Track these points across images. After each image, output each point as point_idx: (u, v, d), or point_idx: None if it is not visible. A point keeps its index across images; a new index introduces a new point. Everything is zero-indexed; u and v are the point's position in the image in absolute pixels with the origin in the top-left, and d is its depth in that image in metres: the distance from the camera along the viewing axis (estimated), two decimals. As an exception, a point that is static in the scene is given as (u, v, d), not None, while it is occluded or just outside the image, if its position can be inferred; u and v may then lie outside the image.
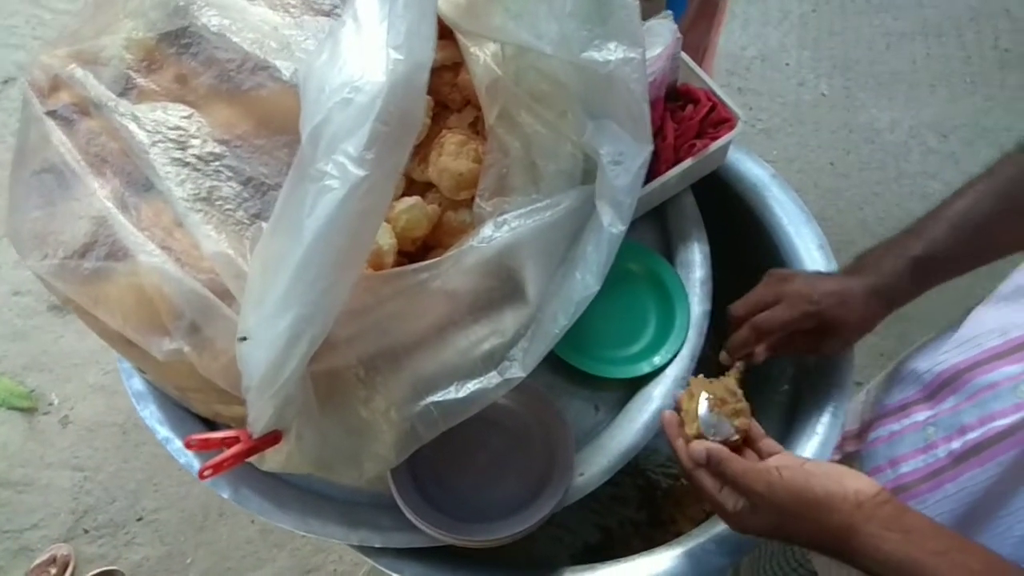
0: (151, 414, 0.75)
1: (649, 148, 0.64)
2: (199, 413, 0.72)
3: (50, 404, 1.80)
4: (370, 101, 0.51)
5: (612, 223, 0.64)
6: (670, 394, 0.78)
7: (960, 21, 2.52)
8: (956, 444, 0.65)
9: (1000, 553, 0.55)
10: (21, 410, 1.79)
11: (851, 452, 0.79)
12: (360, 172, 0.50)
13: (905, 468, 0.70)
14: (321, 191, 0.50)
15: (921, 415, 0.71)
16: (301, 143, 0.51)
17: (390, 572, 0.72)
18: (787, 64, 2.42)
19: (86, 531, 1.66)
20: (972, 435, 0.64)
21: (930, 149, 2.24)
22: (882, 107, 2.33)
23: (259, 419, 0.54)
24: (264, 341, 0.51)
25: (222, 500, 1.72)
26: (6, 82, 2.34)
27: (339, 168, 0.50)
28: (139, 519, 1.68)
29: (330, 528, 0.71)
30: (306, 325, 0.51)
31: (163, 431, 0.74)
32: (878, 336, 1.86)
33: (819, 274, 0.82)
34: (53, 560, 1.59)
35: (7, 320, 1.91)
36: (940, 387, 0.70)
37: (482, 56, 0.69)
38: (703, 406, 0.66)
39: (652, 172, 0.84)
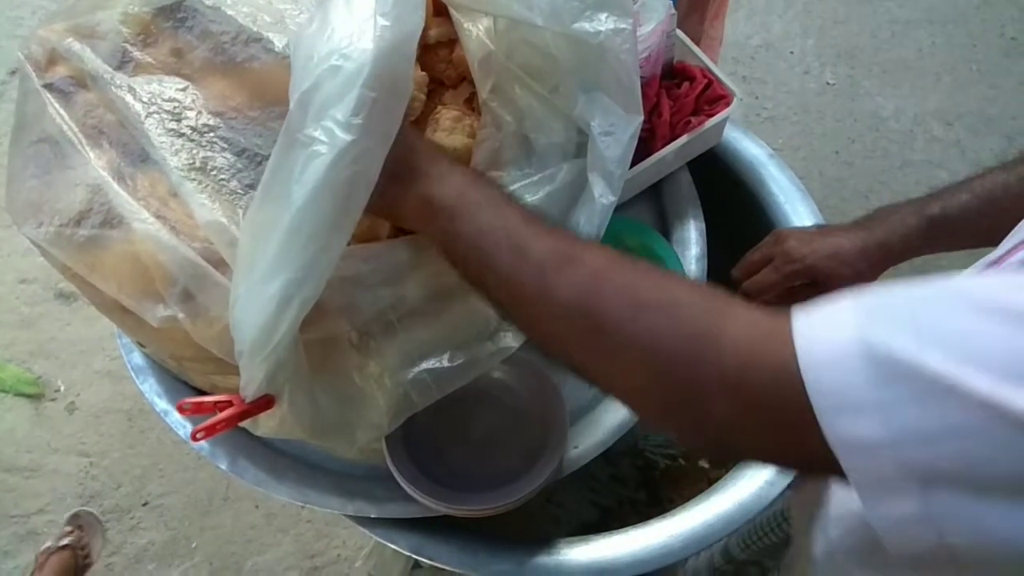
0: (150, 387, 0.76)
1: (639, 119, 0.65)
2: (197, 386, 0.73)
3: (56, 391, 1.82)
4: (358, 68, 0.51)
5: (603, 194, 0.64)
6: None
7: (966, 9, 2.51)
8: None
9: None
10: (28, 396, 1.80)
11: None
12: (347, 137, 0.50)
13: None
14: (309, 156, 0.51)
15: None
16: (289, 109, 0.52)
17: (386, 543, 0.73)
18: (791, 52, 2.42)
19: (92, 516, 1.68)
20: None
21: (935, 137, 2.23)
22: (887, 95, 2.32)
23: (251, 383, 0.54)
24: (255, 305, 0.52)
25: (227, 485, 1.74)
26: (13, 72, 2.36)
27: (327, 133, 0.50)
28: (144, 504, 1.69)
29: (326, 499, 0.72)
30: (296, 289, 0.52)
31: (162, 404, 0.75)
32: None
33: (822, 228, 0.83)
34: (63, 546, 1.60)
35: (14, 308, 1.92)
36: None
37: (475, 31, 0.69)
38: None
39: (648, 149, 0.85)
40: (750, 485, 0.74)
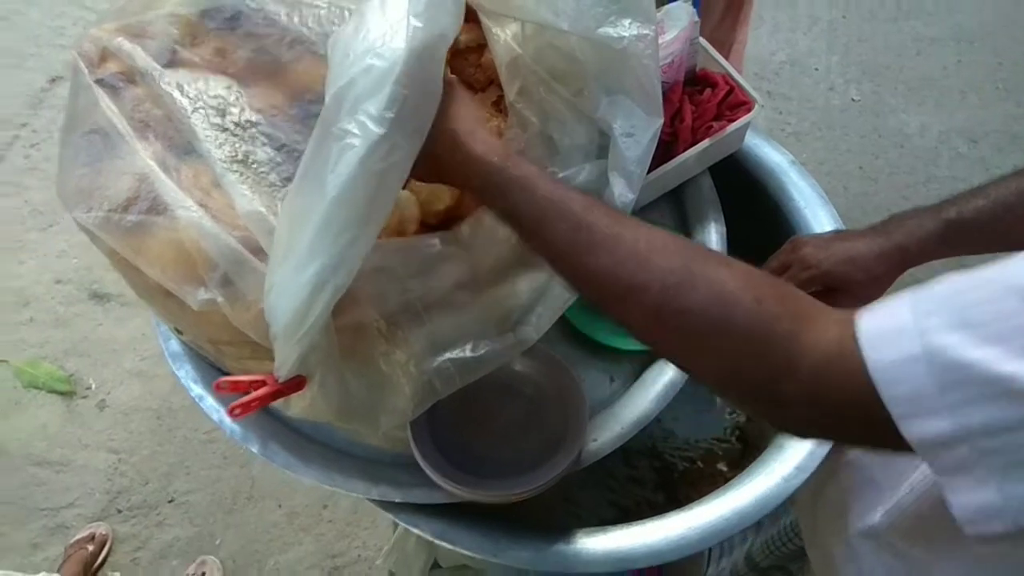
0: (186, 374, 0.79)
1: (659, 121, 0.67)
2: (231, 372, 0.76)
3: (88, 388, 1.87)
4: (390, 66, 0.54)
5: (623, 193, 0.66)
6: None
7: (992, 27, 2.51)
8: None
9: None
10: (61, 394, 1.85)
11: None
12: (380, 130, 0.53)
13: None
14: (343, 148, 0.53)
15: None
16: (325, 105, 0.55)
17: (409, 527, 0.75)
18: (816, 69, 2.43)
19: (119, 511, 1.71)
20: None
21: (960, 154, 2.23)
22: (912, 112, 2.33)
23: (284, 364, 0.57)
24: (290, 290, 0.54)
25: (251, 484, 1.77)
26: (53, 80, 2.44)
27: (360, 127, 0.53)
28: (171, 501, 1.72)
29: (352, 482, 0.74)
30: (330, 275, 0.54)
31: (197, 389, 0.78)
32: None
33: (838, 233, 0.84)
34: (92, 537, 1.64)
35: (49, 307, 1.98)
36: None
37: (503, 36, 0.72)
38: None
39: (671, 153, 0.87)
40: (767, 481, 0.76)
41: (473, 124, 0.58)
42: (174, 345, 0.80)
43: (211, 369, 0.79)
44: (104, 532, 1.66)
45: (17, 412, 1.83)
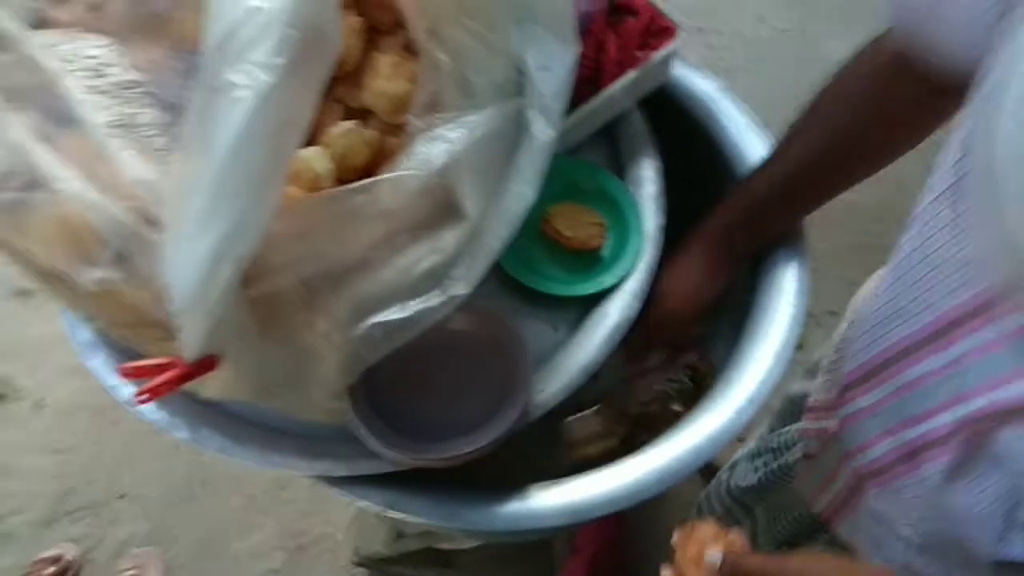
0: (101, 363, 0.74)
1: (575, 50, 0.63)
2: (152, 356, 0.71)
3: (23, 390, 1.78)
4: (279, 7, 0.49)
5: (542, 130, 0.63)
6: (628, 307, 0.77)
7: (916, -54, 2.50)
8: None
9: None
10: (-6, 398, 1.77)
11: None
12: (269, 79, 0.48)
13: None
14: (231, 103, 0.48)
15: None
16: (205, 55, 0.49)
17: (359, 499, 0.72)
18: (745, 1, 2.41)
19: (68, 512, 1.65)
20: None
21: (892, 76, 2.24)
22: (841, 37, 2.31)
23: (191, 343, 0.52)
24: (187, 262, 0.50)
25: (204, 472, 1.71)
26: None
27: (248, 76, 0.48)
28: (121, 496, 1.67)
29: (291, 460, 0.70)
30: (230, 243, 0.49)
31: (112, 379, 0.73)
32: (844, 264, 1.87)
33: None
34: (56, 559, 1.56)
35: (-28, 311, 1.88)
36: None
37: (407, -29, 0.67)
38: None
39: (597, 88, 0.83)
40: (719, 417, 0.74)
41: None
42: (84, 334, 0.74)
43: (128, 356, 0.73)
44: (71, 558, 1.59)
45: (-50, 422, 1.75)
